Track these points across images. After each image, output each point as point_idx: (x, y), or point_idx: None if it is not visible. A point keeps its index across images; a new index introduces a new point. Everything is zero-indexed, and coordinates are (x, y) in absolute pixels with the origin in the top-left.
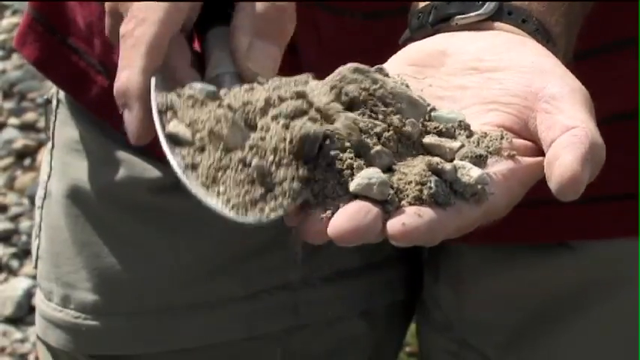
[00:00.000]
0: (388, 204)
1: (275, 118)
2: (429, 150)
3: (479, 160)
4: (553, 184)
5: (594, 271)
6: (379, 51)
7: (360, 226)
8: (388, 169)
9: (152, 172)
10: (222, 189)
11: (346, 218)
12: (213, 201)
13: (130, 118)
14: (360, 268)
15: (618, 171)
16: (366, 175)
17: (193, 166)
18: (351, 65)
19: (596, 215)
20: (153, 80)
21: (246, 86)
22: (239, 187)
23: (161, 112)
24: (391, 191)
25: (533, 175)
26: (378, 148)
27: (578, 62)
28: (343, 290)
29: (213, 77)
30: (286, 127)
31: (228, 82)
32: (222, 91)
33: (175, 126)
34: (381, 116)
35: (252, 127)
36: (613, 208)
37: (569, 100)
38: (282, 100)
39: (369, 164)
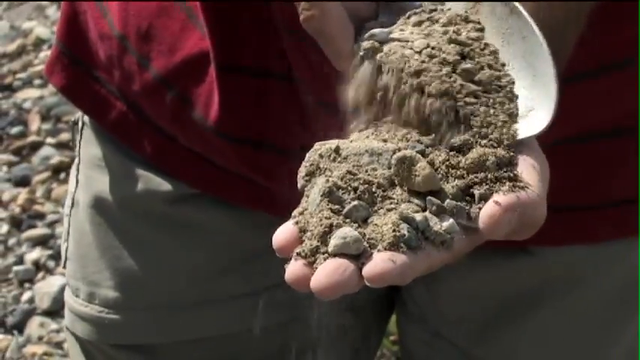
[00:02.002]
0: (362, 256)
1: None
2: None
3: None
4: (479, 217)
5: (549, 273)
6: None
7: (339, 281)
8: (364, 220)
9: (165, 185)
10: None
11: (326, 275)
12: None
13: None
14: None
15: (574, 186)
16: (341, 235)
17: None
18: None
19: (553, 225)
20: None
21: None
22: None
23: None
24: (365, 244)
25: None
26: (355, 203)
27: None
28: None
29: None
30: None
31: None
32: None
33: None
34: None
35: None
36: (568, 219)
37: (527, 165)
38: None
39: (346, 217)
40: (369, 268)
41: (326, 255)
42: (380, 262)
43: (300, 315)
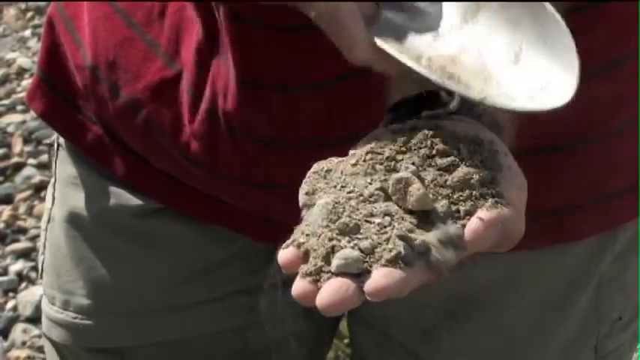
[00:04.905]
0: (362, 275)
1: None
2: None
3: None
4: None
5: (491, 278)
6: (329, 120)
7: (343, 299)
8: (363, 238)
9: (135, 201)
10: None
11: (330, 294)
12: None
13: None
14: None
15: None
16: (343, 257)
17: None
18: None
19: None
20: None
21: None
22: None
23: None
24: (365, 264)
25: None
26: (354, 221)
27: None
28: (289, 295)
29: None
30: None
31: None
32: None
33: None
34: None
35: None
36: None
37: (508, 184)
38: None
39: (345, 236)
40: (370, 285)
41: (329, 274)
42: (379, 278)
43: (258, 319)
